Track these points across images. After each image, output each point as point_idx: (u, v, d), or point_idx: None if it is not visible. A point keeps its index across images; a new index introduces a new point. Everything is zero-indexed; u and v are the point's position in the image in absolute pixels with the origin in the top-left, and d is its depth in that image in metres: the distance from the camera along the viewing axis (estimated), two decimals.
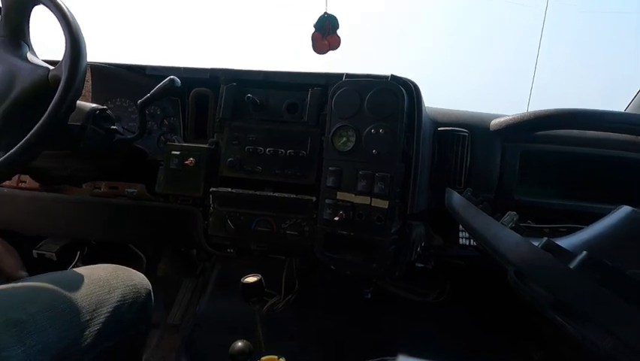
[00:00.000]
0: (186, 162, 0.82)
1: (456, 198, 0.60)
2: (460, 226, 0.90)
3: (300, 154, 0.81)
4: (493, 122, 0.87)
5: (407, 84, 0.78)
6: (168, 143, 0.85)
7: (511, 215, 0.52)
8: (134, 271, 0.64)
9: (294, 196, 0.80)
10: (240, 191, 0.81)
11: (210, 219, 0.83)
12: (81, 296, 0.52)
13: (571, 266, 0.34)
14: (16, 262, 0.64)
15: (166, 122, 0.95)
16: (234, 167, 0.82)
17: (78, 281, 0.54)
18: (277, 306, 1.03)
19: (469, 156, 0.86)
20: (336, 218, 0.74)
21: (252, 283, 0.67)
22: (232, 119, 0.84)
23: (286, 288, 1.05)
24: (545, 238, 0.39)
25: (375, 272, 0.80)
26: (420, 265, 1.02)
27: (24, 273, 0.66)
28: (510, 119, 0.84)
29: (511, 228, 0.49)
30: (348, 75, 0.79)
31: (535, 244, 0.38)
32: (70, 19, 0.60)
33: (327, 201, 0.76)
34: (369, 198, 0.74)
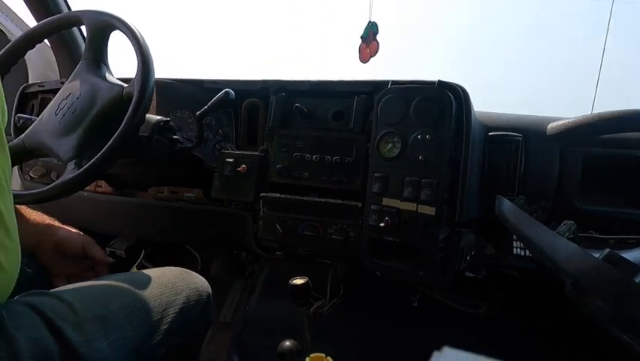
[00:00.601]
0: (239, 169, 0.87)
1: (507, 206, 0.58)
2: (514, 235, 0.86)
3: (346, 160, 0.82)
4: (551, 125, 0.83)
5: (455, 89, 0.77)
6: (222, 151, 0.91)
7: (568, 224, 0.50)
8: (197, 274, 0.69)
9: (340, 202, 0.81)
10: (288, 196, 0.84)
11: (260, 223, 0.87)
12: (153, 297, 0.57)
13: (637, 280, 0.32)
14: (102, 251, 0.72)
15: (220, 131, 1.01)
16: (283, 173, 0.86)
17: (150, 283, 0.59)
18: (323, 309, 1.05)
19: (522, 161, 0.82)
20: (382, 224, 0.75)
21: (299, 285, 0.69)
22: (281, 127, 0.88)
23: (332, 292, 1.07)
24: (607, 250, 0.36)
25: (421, 280, 0.79)
26: (470, 274, 0.98)
27: (110, 259, 0.74)
28: (570, 123, 0.79)
29: (569, 238, 0.47)
30: (394, 82, 0.80)
31: (596, 255, 0.36)
32: (142, 42, 0.68)
33: (372, 207, 0.77)
34: (415, 204, 0.74)
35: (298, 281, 0.69)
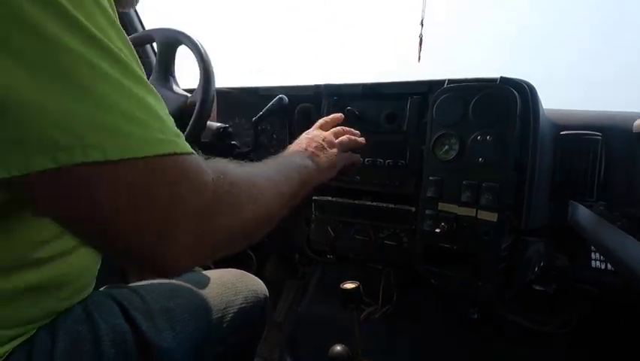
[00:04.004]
0: None
1: (583, 213, 0.52)
2: (592, 246, 0.76)
3: (399, 164, 0.80)
4: (638, 122, 0.73)
5: (520, 85, 0.71)
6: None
7: None
8: (255, 277, 0.72)
9: (393, 206, 0.79)
10: (340, 200, 0.84)
11: (312, 226, 0.88)
12: (213, 296, 0.60)
13: None
14: None
15: (275, 136, 1.05)
16: (334, 177, 0.86)
17: (212, 283, 0.63)
18: (374, 315, 1.03)
19: (602, 163, 0.73)
20: (438, 230, 0.71)
21: (350, 289, 0.68)
22: None
23: (384, 298, 1.04)
24: None
25: (480, 291, 0.74)
26: (538, 288, 0.90)
27: None
28: None
29: None
30: (450, 81, 0.76)
31: None
32: (204, 55, 0.73)
33: (427, 211, 0.74)
34: (474, 209, 0.69)
35: (349, 285, 0.69)
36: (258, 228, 0.42)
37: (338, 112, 0.88)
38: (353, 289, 0.68)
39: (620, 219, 0.53)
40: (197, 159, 0.34)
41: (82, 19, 0.28)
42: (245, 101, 1.04)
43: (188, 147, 0.33)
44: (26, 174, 0.27)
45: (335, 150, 0.66)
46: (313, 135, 0.67)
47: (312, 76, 0.96)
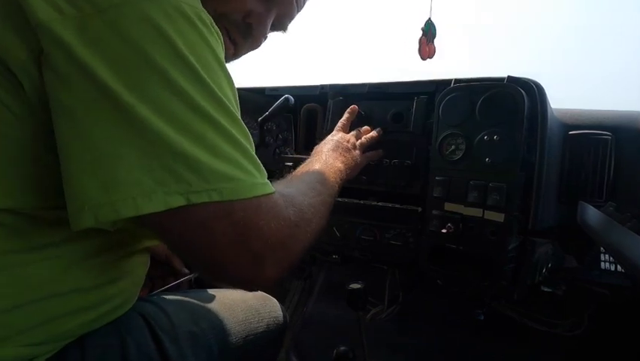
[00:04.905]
0: None
1: (593, 214, 0.51)
2: (602, 247, 0.75)
3: (405, 164, 0.80)
4: None
5: (528, 85, 0.70)
6: (282, 155, 0.94)
7: None
8: (276, 301, 0.72)
9: (399, 206, 0.79)
10: (346, 200, 0.84)
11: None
12: (238, 322, 0.60)
13: None
14: (180, 261, 0.78)
15: (280, 136, 1.05)
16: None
17: (237, 306, 0.63)
18: (380, 316, 1.03)
19: (612, 163, 0.72)
20: (444, 230, 0.71)
21: (356, 290, 0.68)
22: None
23: (390, 299, 1.04)
24: None
25: (488, 292, 0.73)
26: (547, 289, 0.89)
27: (186, 270, 0.79)
28: None
29: None
30: (457, 80, 0.76)
31: None
32: None
33: (434, 212, 0.73)
34: (481, 210, 0.69)
35: (355, 286, 0.69)
36: (317, 237, 0.49)
37: (343, 112, 0.88)
38: (358, 290, 0.68)
39: (631, 220, 0.52)
40: (279, 197, 0.41)
41: (208, 80, 0.36)
42: (251, 101, 1.04)
43: (272, 188, 0.40)
44: (164, 210, 0.33)
45: (358, 152, 0.74)
46: (340, 138, 0.73)
47: (318, 76, 0.96)
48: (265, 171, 0.41)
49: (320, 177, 0.59)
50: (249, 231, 0.37)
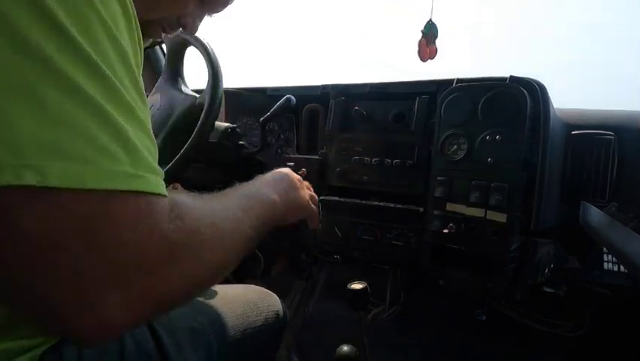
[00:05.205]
0: (299, 173, 0.89)
1: (595, 214, 0.51)
2: (604, 248, 0.75)
3: (407, 164, 0.80)
4: None
5: (530, 85, 0.70)
6: (284, 155, 0.94)
7: None
8: (275, 296, 0.72)
9: (400, 206, 0.79)
10: (347, 200, 0.84)
11: (319, 225, 0.88)
12: (236, 316, 0.60)
13: None
14: None
15: (282, 136, 1.05)
16: (342, 177, 0.86)
17: (235, 301, 0.62)
18: (382, 316, 1.03)
19: (615, 163, 0.71)
20: (445, 230, 0.71)
21: (357, 290, 0.68)
22: (340, 131, 0.88)
23: (391, 299, 1.04)
24: None
25: (490, 292, 0.73)
26: (549, 289, 0.88)
27: None
28: None
29: None
30: (459, 80, 0.75)
31: None
32: (212, 56, 0.73)
33: (435, 212, 0.73)
34: (483, 210, 0.68)
35: (356, 286, 0.69)
36: (213, 277, 0.35)
37: (345, 112, 0.88)
38: (360, 289, 0.68)
39: (633, 221, 0.52)
40: (164, 203, 0.28)
41: (72, 30, 0.24)
42: (252, 102, 1.04)
43: (160, 188, 0.28)
44: None
45: (306, 194, 0.61)
46: (287, 171, 0.61)
47: (320, 76, 0.96)
48: (160, 170, 0.29)
49: (246, 203, 0.46)
50: (93, 239, 0.24)
